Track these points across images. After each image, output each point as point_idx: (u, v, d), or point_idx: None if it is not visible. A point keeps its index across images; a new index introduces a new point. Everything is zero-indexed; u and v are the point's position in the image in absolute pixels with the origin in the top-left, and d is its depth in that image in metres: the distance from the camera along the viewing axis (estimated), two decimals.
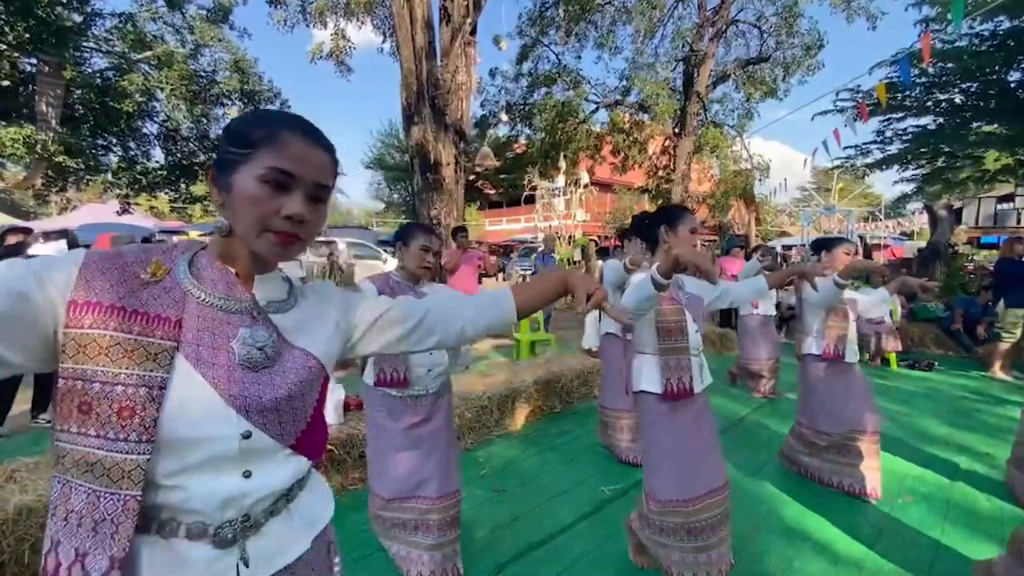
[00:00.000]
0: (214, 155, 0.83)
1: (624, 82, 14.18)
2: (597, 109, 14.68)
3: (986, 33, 7.52)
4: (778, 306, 7.46)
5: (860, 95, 9.02)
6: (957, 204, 16.61)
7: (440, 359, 2.14)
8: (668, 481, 1.90)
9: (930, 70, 8.55)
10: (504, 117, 14.10)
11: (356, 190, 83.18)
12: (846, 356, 2.82)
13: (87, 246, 3.80)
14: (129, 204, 10.83)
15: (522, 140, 17.24)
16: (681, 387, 1.89)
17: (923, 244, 12.72)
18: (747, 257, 6.09)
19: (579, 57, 14.64)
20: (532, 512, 2.68)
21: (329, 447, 2.83)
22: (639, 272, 1.95)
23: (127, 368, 0.65)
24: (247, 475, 0.72)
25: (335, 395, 3.03)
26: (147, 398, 0.65)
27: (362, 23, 10.56)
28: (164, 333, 0.69)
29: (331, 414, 3.01)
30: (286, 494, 0.79)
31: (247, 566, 0.73)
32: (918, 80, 8.73)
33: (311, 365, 0.80)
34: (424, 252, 2.05)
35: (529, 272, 9.00)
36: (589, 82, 14.38)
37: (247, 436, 0.71)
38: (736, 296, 2.16)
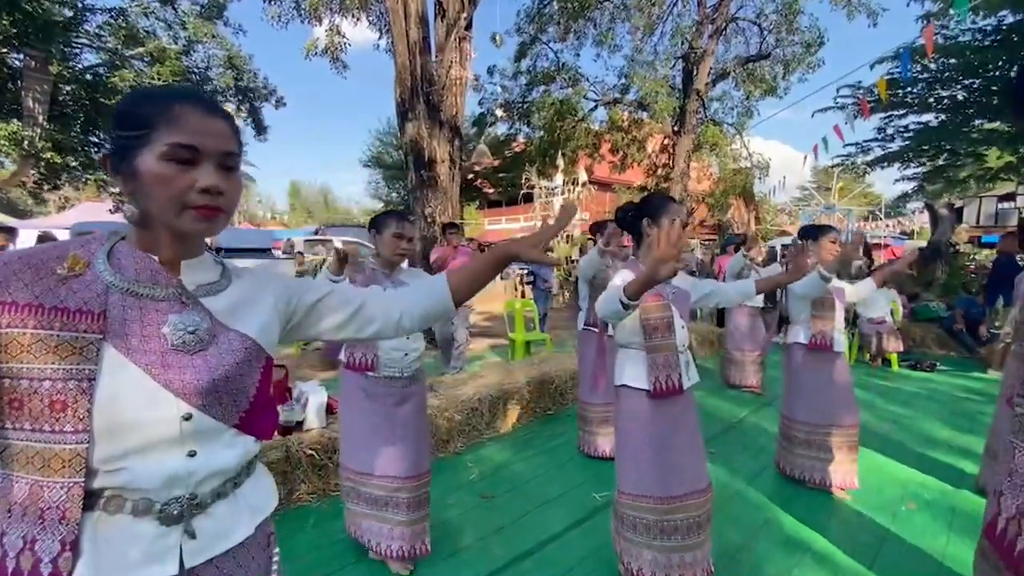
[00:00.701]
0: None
1: (623, 80, 14.06)
2: (596, 107, 14.56)
3: (989, 28, 7.42)
4: (776, 306, 7.37)
5: (861, 91, 8.91)
6: (958, 203, 16.50)
7: (416, 343, 2.14)
8: (643, 475, 1.85)
9: (932, 66, 8.44)
10: (499, 113, 13.98)
11: (355, 189, 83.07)
12: (834, 346, 2.80)
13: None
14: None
15: (520, 138, 17.12)
16: (670, 385, 1.84)
17: (923, 243, 12.62)
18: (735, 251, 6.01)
19: (578, 55, 14.48)
20: (521, 519, 2.58)
21: (310, 451, 2.73)
22: (621, 269, 1.88)
23: (53, 363, 0.65)
24: (192, 454, 0.73)
25: (317, 398, 2.93)
26: (78, 391, 0.66)
27: (357, 19, 10.45)
28: (88, 326, 0.68)
29: (313, 418, 2.90)
30: (233, 478, 0.80)
31: (193, 538, 0.74)
32: (920, 76, 8.62)
33: (247, 346, 0.80)
34: (397, 239, 2.07)
35: (525, 271, 8.91)
36: (588, 80, 14.27)
37: (188, 418, 0.72)
38: (723, 297, 2.10)
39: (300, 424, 2.88)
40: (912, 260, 2.67)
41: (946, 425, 4.04)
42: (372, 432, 2.07)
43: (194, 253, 0.81)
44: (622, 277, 1.76)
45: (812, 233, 2.88)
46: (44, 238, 5.83)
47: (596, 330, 3.20)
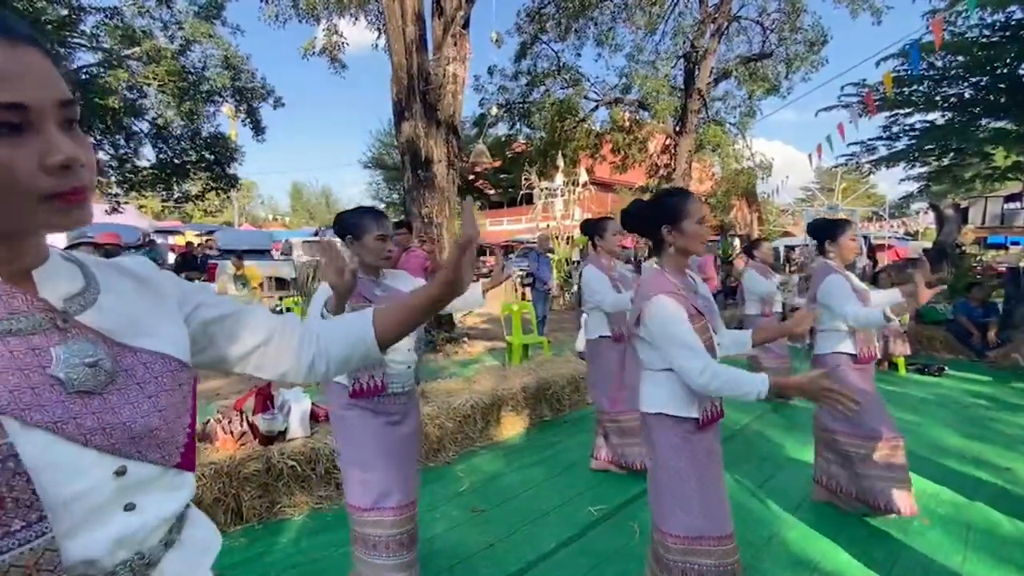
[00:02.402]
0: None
1: (624, 79, 13.97)
2: (597, 107, 14.47)
3: (997, 23, 7.25)
4: (783, 308, 7.23)
5: (866, 88, 8.75)
6: (963, 203, 16.32)
7: (414, 354, 1.96)
8: (694, 513, 1.59)
9: (938, 63, 8.28)
10: (494, 111, 13.86)
11: (356, 190, 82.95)
12: (877, 353, 2.63)
13: (75, 246, 3.48)
14: (119, 203, 10.66)
15: (521, 139, 17.02)
16: (714, 411, 1.63)
17: (927, 244, 12.45)
18: (746, 251, 5.86)
19: (579, 55, 14.42)
20: (511, 536, 2.45)
21: (292, 463, 2.61)
22: (654, 279, 1.65)
23: None
24: (130, 508, 0.58)
25: (301, 406, 2.80)
26: (11, 472, 0.48)
27: (355, 18, 10.37)
28: None
29: (297, 427, 2.78)
30: (177, 523, 0.66)
31: None
32: (926, 74, 8.46)
33: (172, 368, 0.63)
34: (381, 242, 1.84)
35: (524, 272, 8.77)
36: (588, 80, 14.18)
37: (122, 472, 0.57)
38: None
39: (283, 434, 2.76)
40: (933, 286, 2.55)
41: (957, 432, 3.89)
42: (372, 460, 1.82)
43: (41, 257, 0.59)
44: (668, 309, 1.55)
45: (830, 230, 2.63)
46: None
47: (620, 343, 2.98)
